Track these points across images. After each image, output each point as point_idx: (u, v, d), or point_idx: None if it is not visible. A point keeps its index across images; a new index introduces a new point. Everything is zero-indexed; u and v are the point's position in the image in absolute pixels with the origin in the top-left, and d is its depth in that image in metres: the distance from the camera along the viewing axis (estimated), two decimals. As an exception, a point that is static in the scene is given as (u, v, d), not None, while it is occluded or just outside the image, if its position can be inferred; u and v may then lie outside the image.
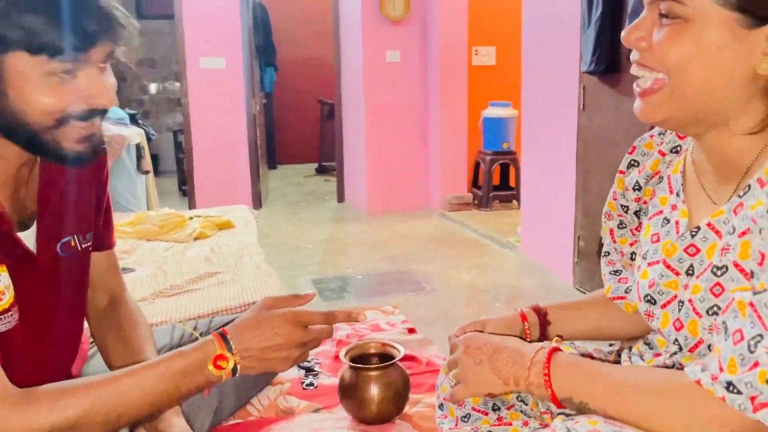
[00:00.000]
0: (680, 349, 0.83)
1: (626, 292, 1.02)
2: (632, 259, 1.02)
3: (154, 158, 7.80)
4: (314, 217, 5.56)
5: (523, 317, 1.06)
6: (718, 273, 0.74)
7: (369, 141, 5.49)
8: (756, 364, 0.63)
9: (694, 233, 0.81)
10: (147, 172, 3.64)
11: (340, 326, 1.84)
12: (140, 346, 1.18)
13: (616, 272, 1.05)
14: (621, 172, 0.99)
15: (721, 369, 0.66)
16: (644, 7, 0.77)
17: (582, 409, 0.77)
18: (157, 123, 7.99)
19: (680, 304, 0.82)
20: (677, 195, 0.86)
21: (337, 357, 1.77)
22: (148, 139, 3.89)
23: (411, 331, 2.10)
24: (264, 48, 6.30)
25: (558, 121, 3.53)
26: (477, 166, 5.46)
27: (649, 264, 0.88)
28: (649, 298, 0.87)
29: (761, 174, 0.71)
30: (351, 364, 1.48)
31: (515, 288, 3.62)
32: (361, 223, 5.29)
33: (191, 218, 3.06)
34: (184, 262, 2.47)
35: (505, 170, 5.47)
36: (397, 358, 1.49)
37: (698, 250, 0.80)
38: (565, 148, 3.44)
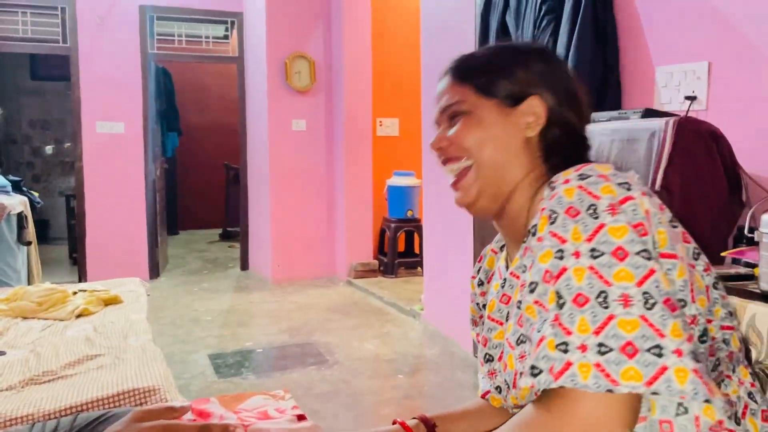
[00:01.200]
0: (509, 387, 0.87)
1: (495, 388, 1.01)
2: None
3: (44, 224, 7.38)
4: (215, 287, 5.37)
5: (407, 430, 0.99)
6: (520, 306, 0.81)
7: (274, 208, 5.43)
8: (542, 339, 0.72)
9: (503, 284, 0.95)
10: (29, 243, 3.39)
11: (224, 413, 1.73)
12: None
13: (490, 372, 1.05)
14: (473, 276, 1.10)
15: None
16: (437, 124, 0.95)
17: None
18: (48, 187, 7.58)
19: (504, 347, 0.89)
20: (503, 278, 0.97)
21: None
22: (33, 207, 3.66)
23: (300, 417, 2.00)
24: (166, 113, 6.18)
25: (457, 193, 3.63)
26: (382, 233, 5.51)
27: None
28: (487, 356, 0.97)
29: (536, 219, 0.80)
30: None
31: (418, 358, 3.60)
32: (265, 292, 5.15)
33: (75, 293, 2.86)
34: (62, 344, 2.28)
35: (410, 237, 5.55)
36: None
37: (509, 297, 0.92)
38: (464, 218, 3.53)
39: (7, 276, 3.18)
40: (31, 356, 2.16)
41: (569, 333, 0.70)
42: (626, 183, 0.77)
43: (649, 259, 0.71)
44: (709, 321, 0.81)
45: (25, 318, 2.66)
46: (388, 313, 4.47)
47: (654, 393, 0.68)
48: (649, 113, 1.92)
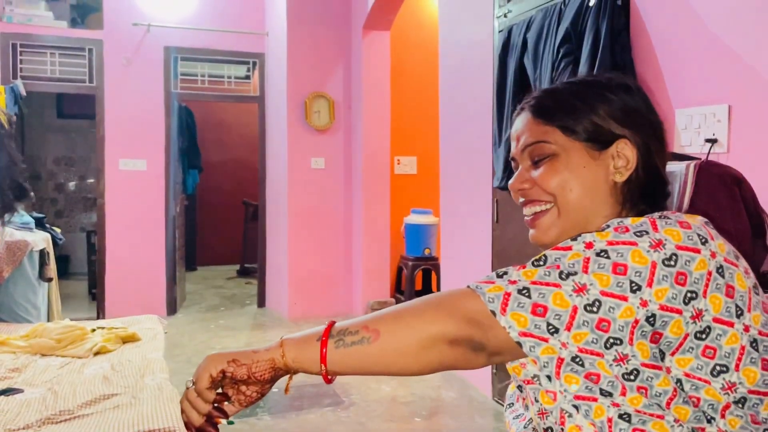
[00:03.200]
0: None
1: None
2: None
3: (65, 259, 7.47)
4: (232, 324, 5.37)
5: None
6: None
7: (291, 245, 5.45)
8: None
9: None
10: (50, 280, 3.42)
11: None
12: None
13: (517, 416, 1.03)
14: None
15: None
16: (513, 161, 0.95)
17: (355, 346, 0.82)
18: (71, 222, 7.70)
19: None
20: None
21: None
22: (55, 244, 3.70)
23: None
24: (188, 150, 6.28)
25: (474, 232, 3.63)
26: (399, 271, 5.49)
27: None
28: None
29: None
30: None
31: (436, 400, 3.55)
32: (281, 330, 5.13)
33: (93, 330, 2.86)
34: (80, 382, 2.28)
35: (427, 275, 5.52)
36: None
37: None
38: (481, 258, 3.52)
39: (27, 312, 3.20)
40: (48, 395, 2.16)
41: (518, 270, 0.79)
42: (705, 238, 0.77)
43: (634, 292, 0.73)
44: None
45: (43, 355, 2.66)
46: (405, 352, 4.42)
47: (518, 344, 0.75)
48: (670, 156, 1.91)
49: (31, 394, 2.18)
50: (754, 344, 0.76)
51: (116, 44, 5.42)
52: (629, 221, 0.80)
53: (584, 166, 0.88)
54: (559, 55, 2.72)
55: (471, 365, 0.78)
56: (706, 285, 0.74)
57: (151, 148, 5.57)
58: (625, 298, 0.73)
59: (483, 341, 0.76)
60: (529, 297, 0.75)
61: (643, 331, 0.75)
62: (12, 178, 1.02)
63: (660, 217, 0.80)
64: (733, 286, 0.76)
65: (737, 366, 0.76)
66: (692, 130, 2.25)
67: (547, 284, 0.76)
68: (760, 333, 0.77)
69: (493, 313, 0.76)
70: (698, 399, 0.76)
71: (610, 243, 0.76)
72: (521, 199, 0.93)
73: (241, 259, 7.96)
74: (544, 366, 0.75)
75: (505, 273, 0.79)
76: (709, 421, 0.76)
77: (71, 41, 5.34)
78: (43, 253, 3.34)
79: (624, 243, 0.76)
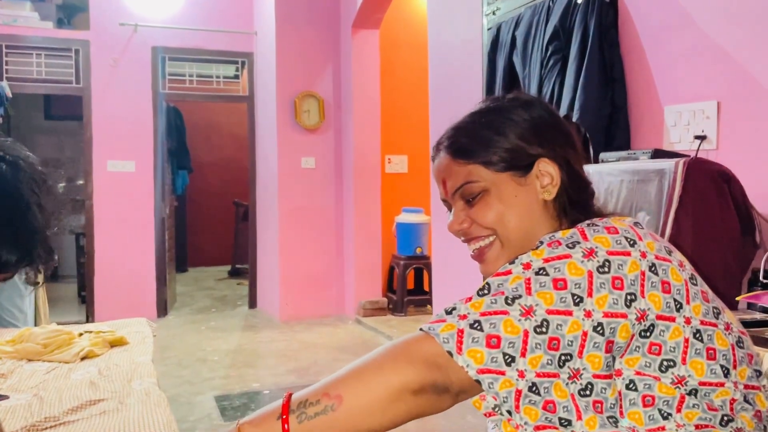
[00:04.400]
0: None
1: None
2: None
3: (55, 261, 7.38)
4: (223, 325, 5.33)
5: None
6: None
7: (282, 245, 5.42)
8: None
9: None
10: (37, 284, 3.38)
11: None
12: None
13: None
14: None
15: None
16: (449, 203, 0.95)
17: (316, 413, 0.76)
18: (59, 225, 7.63)
19: None
20: None
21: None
22: (42, 247, 3.66)
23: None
24: (177, 151, 6.24)
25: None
26: (391, 270, 5.48)
27: None
28: None
29: None
30: None
31: (428, 400, 3.53)
32: (273, 331, 5.11)
33: (81, 334, 2.83)
34: (66, 388, 2.25)
35: (419, 274, 5.50)
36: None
37: None
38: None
39: (14, 317, 3.17)
40: (34, 401, 2.13)
41: (465, 302, 0.78)
42: (633, 239, 0.79)
43: (577, 304, 0.74)
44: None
45: (30, 360, 2.63)
46: (397, 352, 4.40)
47: (477, 381, 0.74)
48: (659, 154, 1.91)
49: (16, 401, 2.15)
50: (697, 335, 0.78)
51: (103, 44, 5.37)
52: (560, 234, 0.82)
53: (515, 195, 0.89)
54: (548, 53, 2.71)
55: (439, 409, 0.77)
56: (642, 285, 0.76)
57: (139, 149, 5.52)
58: (569, 313, 0.75)
59: (446, 383, 0.75)
60: (481, 330, 0.75)
61: (595, 343, 0.75)
62: (44, 242, 1.00)
63: (588, 225, 0.82)
64: (668, 282, 0.78)
65: (683, 359, 0.77)
66: (681, 126, 2.25)
67: (496, 312, 0.76)
68: (702, 323, 0.79)
69: (450, 353, 0.75)
70: (653, 397, 0.77)
71: (546, 260, 0.78)
72: (462, 238, 0.95)
73: (233, 260, 7.92)
74: (504, 401, 0.75)
75: (454, 309, 0.79)
76: (665, 418, 0.77)
77: (57, 42, 5.29)
78: (29, 257, 3.31)
79: (559, 258, 0.78)
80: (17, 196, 0.94)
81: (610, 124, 2.47)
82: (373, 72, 5.37)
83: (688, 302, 0.78)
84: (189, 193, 7.88)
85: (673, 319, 0.77)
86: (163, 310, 5.64)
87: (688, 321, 0.77)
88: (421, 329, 0.78)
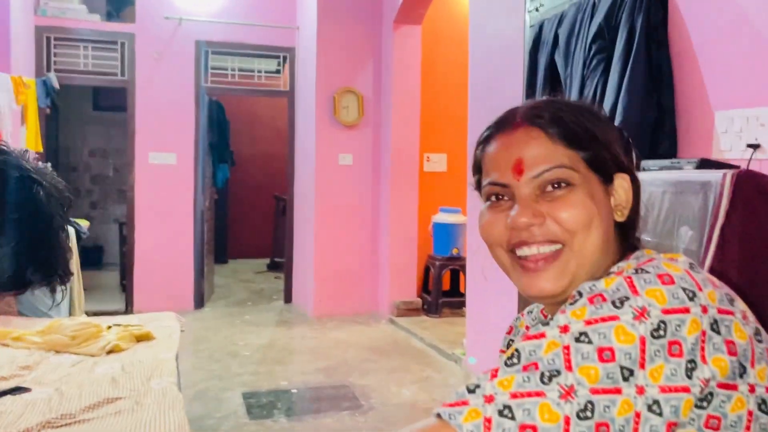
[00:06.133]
0: None
1: None
2: None
3: (99, 249, 7.57)
4: (257, 319, 5.34)
5: None
6: None
7: (318, 241, 5.39)
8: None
9: None
10: (71, 274, 3.42)
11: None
12: None
13: None
14: (501, 351, 0.97)
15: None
16: (511, 189, 0.76)
17: None
18: (105, 213, 7.81)
19: None
20: None
21: None
22: (79, 238, 3.71)
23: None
24: (218, 145, 6.28)
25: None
26: (427, 271, 5.39)
27: None
28: None
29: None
30: None
31: (457, 407, 3.43)
32: (305, 327, 5.09)
33: (109, 327, 2.84)
34: (88, 383, 2.25)
35: (455, 276, 5.40)
36: None
37: None
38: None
39: (47, 307, 3.21)
40: (54, 395, 2.13)
41: (491, 378, 0.64)
42: (692, 291, 0.65)
43: (627, 379, 0.61)
44: None
45: (57, 352, 2.65)
46: (429, 356, 4.33)
47: None
48: (705, 164, 1.77)
49: (38, 394, 2.16)
50: (762, 406, 0.65)
51: (148, 38, 5.43)
52: (602, 285, 0.67)
53: (602, 200, 0.76)
54: (592, 52, 2.57)
55: None
56: (702, 348, 0.63)
57: (180, 142, 5.57)
58: (618, 391, 0.61)
59: None
60: (513, 418, 0.61)
61: (652, 426, 0.61)
62: (65, 262, 1.03)
63: (637, 272, 0.67)
64: (733, 341, 0.64)
65: None
66: (733, 133, 2.09)
67: (529, 394, 0.62)
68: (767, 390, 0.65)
69: None
70: None
71: (589, 322, 0.64)
72: (515, 238, 0.77)
73: (272, 254, 7.95)
74: None
75: (478, 386, 0.64)
76: None
77: (104, 34, 5.37)
78: (64, 248, 3.35)
79: (603, 320, 0.63)
80: (50, 221, 1.02)
81: (656, 129, 2.32)
82: (413, 68, 5.27)
83: (753, 365, 0.65)
84: (230, 186, 7.95)
85: (735, 387, 0.64)
86: (200, 301, 5.69)
87: (752, 389, 0.64)
88: (438, 415, 0.64)
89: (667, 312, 0.63)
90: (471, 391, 0.64)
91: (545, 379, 0.62)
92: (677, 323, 0.63)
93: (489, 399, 0.62)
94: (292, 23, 5.82)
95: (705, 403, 0.63)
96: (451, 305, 5.28)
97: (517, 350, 0.65)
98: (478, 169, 0.82)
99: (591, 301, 0.66)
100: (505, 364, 0.65)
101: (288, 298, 6.01)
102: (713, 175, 1.64)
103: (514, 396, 0.62)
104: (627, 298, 0.64)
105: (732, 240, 1.51)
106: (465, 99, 4.15)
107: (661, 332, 0.62)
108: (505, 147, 0.78)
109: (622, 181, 0.77)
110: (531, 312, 0.96)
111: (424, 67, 5.30)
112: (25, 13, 4.86)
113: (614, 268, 0.72)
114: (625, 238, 0.80)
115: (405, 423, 3.17)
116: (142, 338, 2.81)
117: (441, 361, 4.19)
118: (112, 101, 7.24)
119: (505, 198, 0.78)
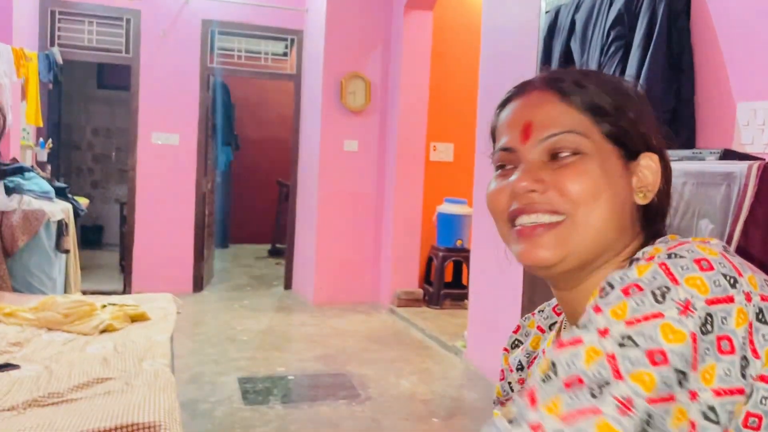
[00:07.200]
0: None
1: None
2: None
3: (99, 229, 7.52)
4: (257, 304, 5.28)
5: None
6: None
7: (320, 228, 5.32)
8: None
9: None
10: (66, 251, 3.36)
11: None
12: None
13: None
14: (505, 350, 0.93)
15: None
16: (518, 151, 0.70)
17: None
18: (106, 193, 7.75)
19: None
20: None
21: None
22: (77, 215, 3.64)
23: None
24: (222, 127, 6.20)
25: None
26: (429, 261, 5.31)
27: None
28: None
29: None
30: None
31: (457, 400, 3.37)
32: (305, 314, 5.02)
33: (104, 306, 2.78)
34: (78, 362, 2.18)
35: (458, 267, 5.32)
36: None
37: None
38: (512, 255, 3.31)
39: (42, 284, 3.15)
40: (43, 373, 2.07)
41: (532, 404, 0.55)
42: (733, 276, 0.57)
43: (681, 384, 0.54)
44: None
45: (50, 329, 2.59)
46: (429, 347, 4.26)
47: None
48: (729, 155, 1.68)
49: (26, 372, 2.10)
50: None
51: (154, 15, 5.34)
52: (634, 274, 0.58)
53: (617, 178, 0.69)
54: (610, 39, 2.48)
55: None
56: (752, 342, 0.55)
57: (184, 122, 5.49)
58: (671, 398, 0.53)
59: None
60: None
61: None
62: None
63: (670, 257, 0.59)
64: None
65: None
66: (756, 126, 2.01)
67: (583, 413, 0.53)
68: None
69: None
70: None
71: (630, 323, 0.55)
72: (514, 205, 0.70)
73: (273, 239, 7.89)
74: None
75: (520, 415, 0.55)
76: None
77: (109, 10, 5.28)
78: (61, 224, 3.28)
79: (647, 318, 0.55)
80: None
81: (674, 118, 2.24)
82: (423, 55, 5.18)
83: None
84: (234, 170, 7.88)
85: None
86: (198, 285, 5.63)
87: None
88: None
89: (711, 302, 0.55)
90: (512, 421, 0.55)
91: (595, 393, 0.54)
92: (723, 315, 0.55)
93: (536, 428, 0.54)
94: (301, 5, 5.72)
95: (746, 399, 0.56)
96: (452, 297, 5.20)
97: (552, 363, 0.57)
98: (493, 136, 0.77)
99: (626, 292, 0.57)
100: (542, 381, 0.57)
101: (288, 285, 5.95)
102: (737, 167, 1.55)
103: (566, 418, 0.53)
104: (668, 289, 0.56)
105: (755, 232, 1.44)
106: (474, 88, 4.06)
107: (709, 327, 0.55)
108: (518, 110, 0.72)
109: (649, 161, 0.70)
110: (542, 311, 0.90)
111: (434, 53, 5.21)
112: (30, -14, 4.77)
113: (640, 254, 0.64)
114: (651, 224, 0.72)
115: (403, 415, 3.11)
116: (137, 318, 2.74)
117: (441, 353, 4.12)
118: (117, 79, 7.16)
119: (513, 166, 0.71)
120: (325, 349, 4.12)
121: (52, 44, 5.10)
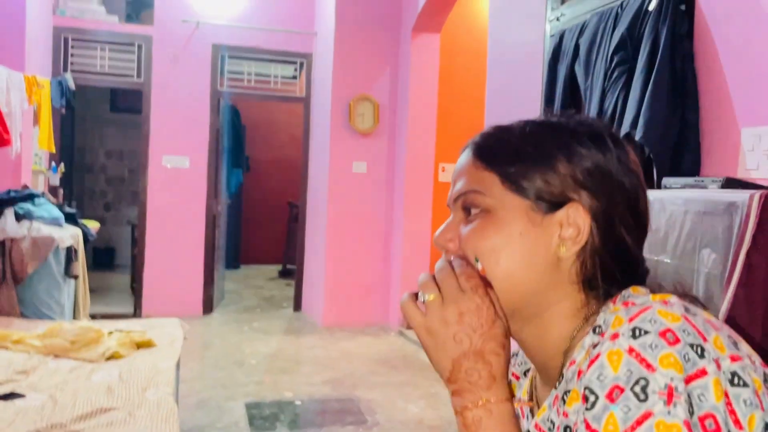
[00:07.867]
0: None
1: None
2: None
3: (111, 251, 7.57)
4: (266, 327, 5.28)
5: None
6: None
7: (329, 249, 5.32)
8: None
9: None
10: (75, 277, 3.38)
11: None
12: None
13: None
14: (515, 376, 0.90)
15: None
16: (450, 207, 0.76)
17: None
18: (118, 215, 7.82)
19: None
20: (526, 418, 0.80)
21: None
22: (86, 240, 3.67)
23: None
24: (232, 149, 6.25)
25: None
26: (439, 283, 5.28)
27: None
28: None
29: (572, 382, 0.62)
30: None
31: (465, 426, 3.33)
32: (314, 336, 5.01)
33: (110, 333, 2.80)
34: (84, 390, 2.19)
35: (467, 289, 5.29)
36: None
37: None
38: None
39: (50, 309, 3.17)
40: (48, 402, 2.08)
41: None
42: (699, 345, 0.56)
43: None
44: None
45: (56, 356, 2.61)
46: (437, 370, 4.22)
47: None
48: (731, 183, 1.67)
49: (31, 401, 2.11)
50: None
51: (165, 40, 5.42)
52: (609, 372, 0.56)
53: (520, 232, 0.68)
54: (613, 63, 2.48)
55: None
56: (732, 412, 0.54)
57: (194, 145, 5.54)
58: None
59: None
60: None
61: None
62: None
63: (634, 333, 0.57)
64: (758, 392, 0.56)
65: None
66: (760, 152, 1.99)
67: None
68: None
69: None
70: None
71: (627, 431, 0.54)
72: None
73: (284, 260, 7.90)
74: None
75: None
76: None
77: (121, 36, 5.37)
78: (70, 250, 3.31)
79: (639, 423, 0.54)
80: None
81: (679, 144, 2.22)
82: (431, 77, 5.20)
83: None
84: (245, 192, 7.92)
85: None
86: (208, 307, 5.64)
87: None
88: None
89: (688, 381, 0.54)
90: None
91: None
92: (699, 392, 0.54)
93: None
94: (310, 29, 5.78)
95: None
96: (462, 319, 5.16)
97: None
98: None
99: (611, 398, 0.56)
100: None
101: (298, 306, 5.94)
102: (739, 196, 1.54)
103: None
104: (646, 382, 0.55)
105: (758, 264, 1.41)
106: (481, 110, 4.06)
107: (692, 408, 0.54)
108: (455, 169, 0.78)
109: (575, 212, 0.67)
110: (516, 355, 0.88)
111: (442, 75, 5.23)
112: (44, 13, 4.87)
113: (602, 322, 0.63)
114: (604, 280, 0.69)
115: (410, 441, 3.07)
116: (143, 345, 2.75)
117: (450, 377, 4.08)
118: (129, 103, 7.26)
119: None
120: (334, 372, 4.10)
121: (65, 70, 5.19)
